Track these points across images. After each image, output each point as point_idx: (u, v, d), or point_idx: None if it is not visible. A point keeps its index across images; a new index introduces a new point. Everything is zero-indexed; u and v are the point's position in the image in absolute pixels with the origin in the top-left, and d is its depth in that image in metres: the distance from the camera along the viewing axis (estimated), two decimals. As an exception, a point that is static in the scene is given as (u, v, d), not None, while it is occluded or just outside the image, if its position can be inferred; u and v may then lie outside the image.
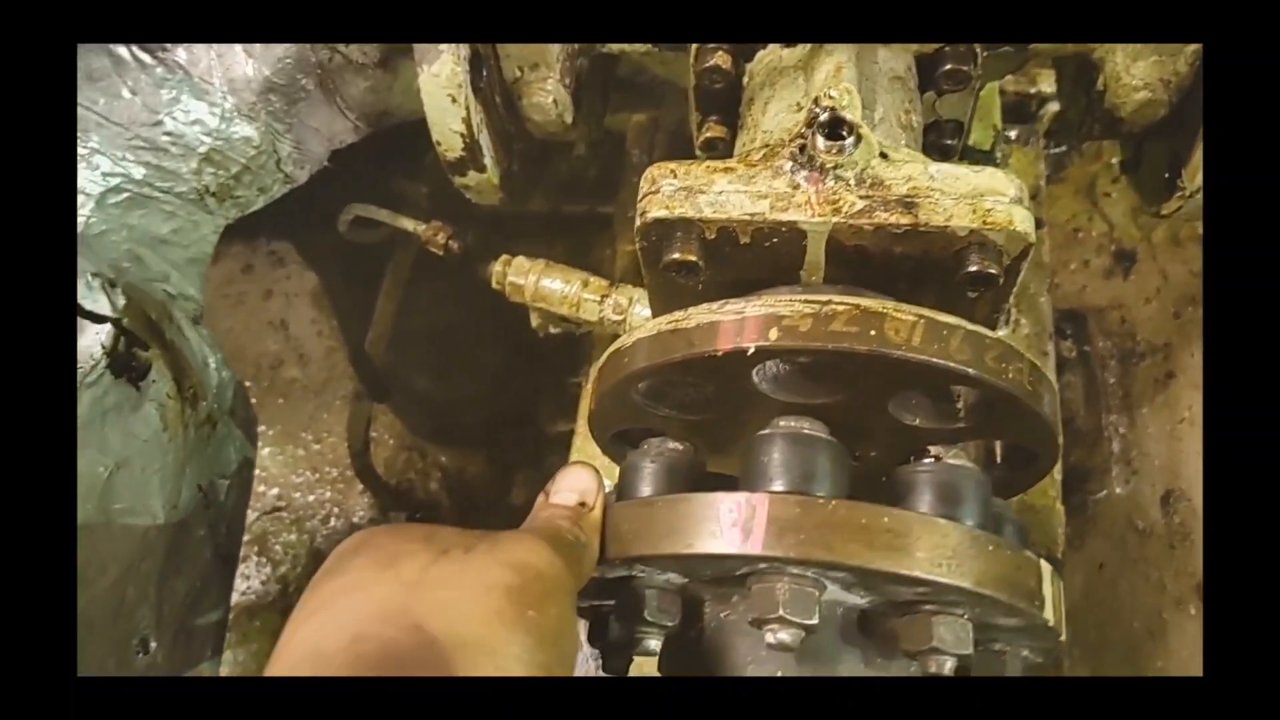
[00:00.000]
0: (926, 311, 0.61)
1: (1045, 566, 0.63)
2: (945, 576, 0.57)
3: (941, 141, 0.92)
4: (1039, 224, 1.21)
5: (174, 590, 0.93)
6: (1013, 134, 1.25)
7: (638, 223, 0.71)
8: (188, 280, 0.94)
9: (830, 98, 0.70)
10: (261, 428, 1.49)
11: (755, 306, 0.62)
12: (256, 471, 1.46)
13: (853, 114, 0.69)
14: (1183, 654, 1.29)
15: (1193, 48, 0.81)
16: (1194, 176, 0.83)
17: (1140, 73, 0.83)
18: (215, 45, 0.88)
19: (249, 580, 1.41)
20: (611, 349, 0.69)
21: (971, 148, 1.20)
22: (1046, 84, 1.29)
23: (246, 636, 1.35)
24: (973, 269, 0.67)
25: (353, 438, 1.34)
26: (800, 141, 0.69)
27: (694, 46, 0.87)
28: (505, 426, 1.40)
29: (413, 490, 1.45)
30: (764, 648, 0.57)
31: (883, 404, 0.65)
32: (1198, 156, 0.83)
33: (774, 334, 0.61)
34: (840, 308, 0.60)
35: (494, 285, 1.05)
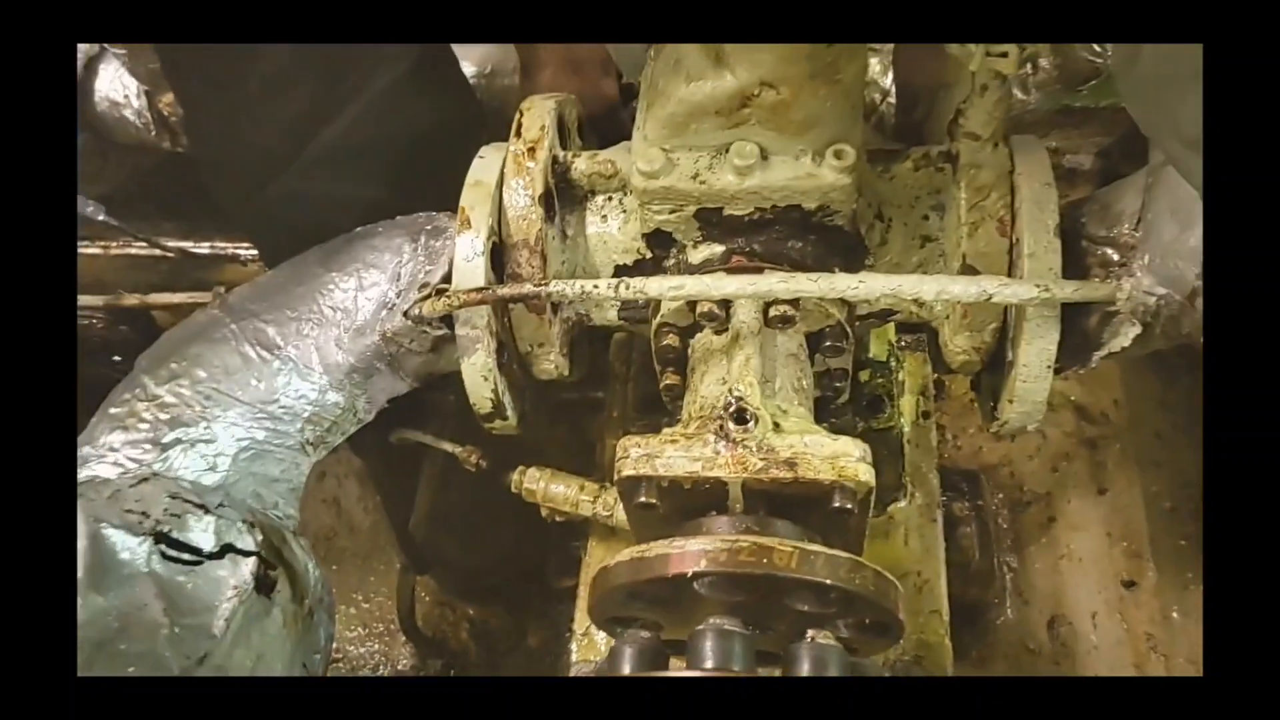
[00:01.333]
0: (802, 544, 0.95)
1: None
2: None
3: (833, 384, 1.27)
4: (925, 415, 1.57)
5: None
6: (904, 341, 1.61)
7: (616, 477, 1.05)
8: (289, 504, 1.27)
9: (739, 390, 1.06)
10: (320, 592, 1.82)
11: (693, 543, 0.96)
12: (317, 629, 1.78)
13: (753, 402, 1.05)
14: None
15: (993, 325, 1.18)
16: (1004, 411, 1.19)
17: (960, 343, 1.19)
18: (317, 342, 1.24)
19: (317, 723, 1.70)
20: (601, 567, 1.02)
21: (871, 359, 1.56)
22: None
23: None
24: (836, 505, 1.01)
25: (400, 604, 1.65)
26: (720, 422, 1.04)
27: (653, 330, 1.23)
28: (520, 584, 1.72)
29: (446, 640, 1.76)
30: None
31: (781, 599, 0.98)
32: (1004, 398, 1.18)
33: (703, 563, 0.94)
34: (745, 544, 0.94)
35: (513, 490, 1.39)
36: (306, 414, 1.23)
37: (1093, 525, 1.74)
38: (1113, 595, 1.68)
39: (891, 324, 1.57)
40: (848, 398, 1.36)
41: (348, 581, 1.81)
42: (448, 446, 1.41)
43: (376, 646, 1.77)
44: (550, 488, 1.38)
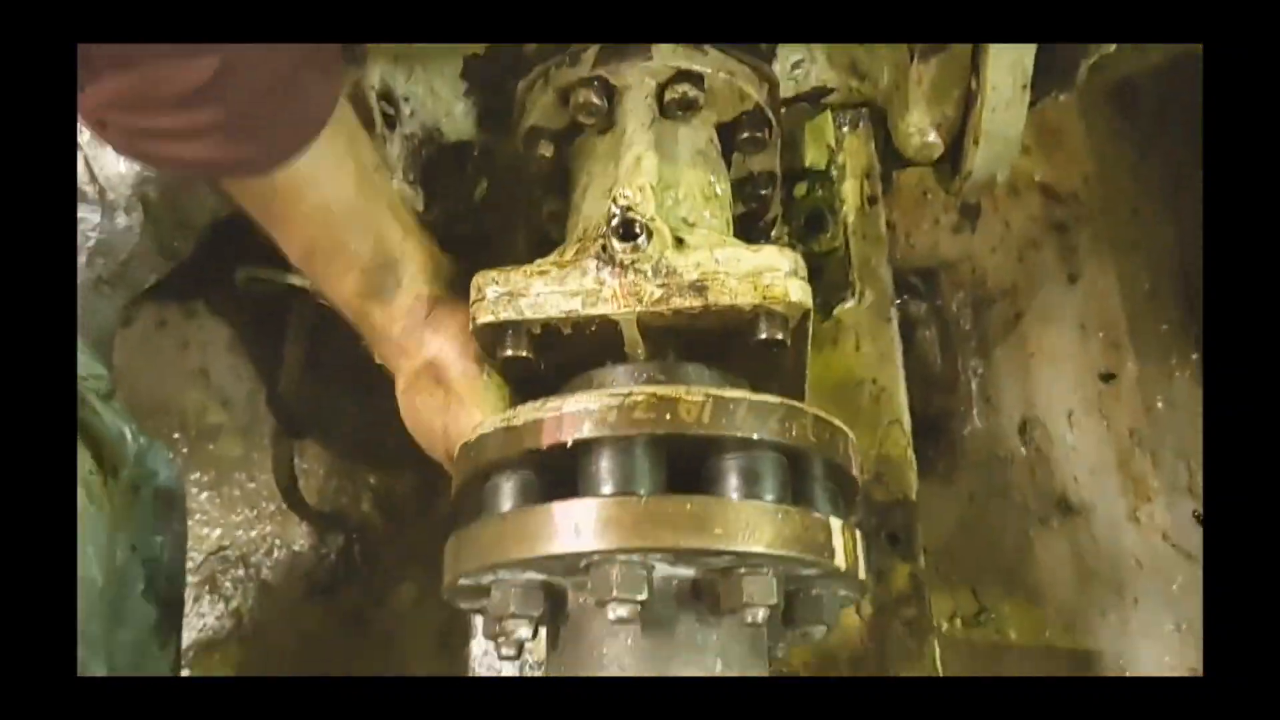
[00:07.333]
0: (715, 390, 0.72)
1: (835, 523, 0.72)
2: (741, 545, 0.67)
3: (757, 192, 1.01)
4: (872, 200, 1.31)
5: (121, 642, 1.01)
6: (844, 119, 1.33)
7: (471, 325, 0.81)
8: (95, 360, 1.01)
9: (624, 197, 0.80)
10: (196, 474, 1.58)
11: (571, 403, 0.72)
12: (197, 516, 1.56)
13: (645, 212, 0.79)
14: (1049, 564, 1.45)
15: (957, 91, 0.91)
16: (969, 158, 0.94)
17: (917, 120, 0.93)
18: (85, 148, 0.94)
19: (204, 618, 1.50)
20: (462, 443, 0.79)
21: (808, 169, 1.28)
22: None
23: (209, 669, 1.47)
24: (763, 336, 0.77)
25: (279, 476, 1.42)
26: (601, 242, 0.79)
27: (520, 139, 0.95)
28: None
29: (345, 514, 1.55)
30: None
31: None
32: (969, 138, 0.94)
33: (587, 427, 0.71)
34: (640, 397, 0.71)
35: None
36: (90, 243, 0.97)
37: (1065, 317, 1.54)
38: (1090, 391, 1.49)
39: (828, 122, 1.30)
40: (780, 214, 1.10)
41: (227, 460, 1.58)
42: (295, 280, 1.13)
43: (269, 528, 1.56)
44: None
